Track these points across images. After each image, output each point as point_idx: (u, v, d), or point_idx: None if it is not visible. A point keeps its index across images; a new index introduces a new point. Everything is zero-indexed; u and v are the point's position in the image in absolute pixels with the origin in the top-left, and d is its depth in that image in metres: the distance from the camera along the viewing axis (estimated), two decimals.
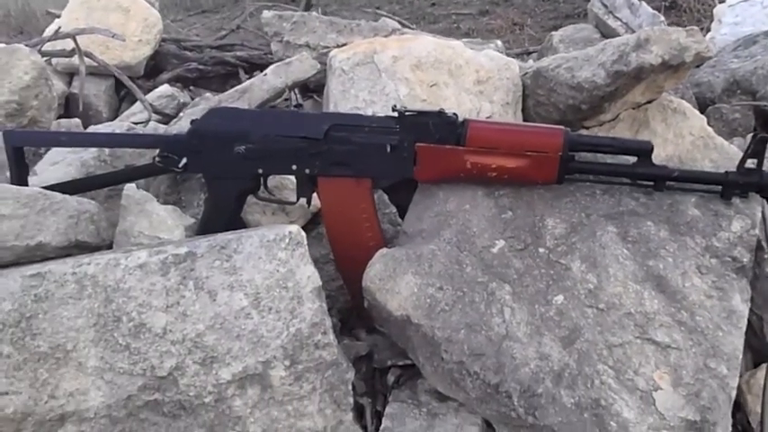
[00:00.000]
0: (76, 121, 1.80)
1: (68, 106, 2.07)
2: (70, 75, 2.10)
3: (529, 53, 2.56)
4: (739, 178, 1.04)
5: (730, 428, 0.90)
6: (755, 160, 1.03)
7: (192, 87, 2.21)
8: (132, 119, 1.86)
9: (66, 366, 0.95)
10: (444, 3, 6.24)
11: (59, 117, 1.81)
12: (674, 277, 0.99)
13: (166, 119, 1.84)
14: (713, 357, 0.92)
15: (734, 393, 0.92)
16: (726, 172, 1.05)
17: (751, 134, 1.09)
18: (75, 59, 1.90)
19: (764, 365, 1.10)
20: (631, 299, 0.98)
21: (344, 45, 1.61)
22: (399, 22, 2.36)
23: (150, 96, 1.93)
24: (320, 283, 1.01)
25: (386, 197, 1.34)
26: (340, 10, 6.30)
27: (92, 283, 0.96)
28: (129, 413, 0.96)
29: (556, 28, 5.19)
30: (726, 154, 1.35)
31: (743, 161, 1.03)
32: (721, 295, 0.98)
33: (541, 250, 1.05)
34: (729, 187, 1.05)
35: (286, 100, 1.49)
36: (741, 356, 0.94)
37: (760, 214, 1.06)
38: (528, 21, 5.43)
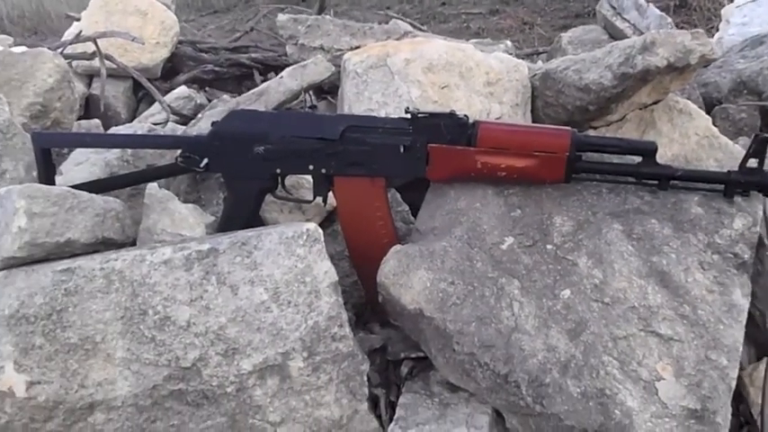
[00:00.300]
0: (96, 121, 1.84)
1: (88, 107, 2.11)
2: (90, 76, 2.14)
3: (538, 53, 2.59)
4: (741, 177, 1.07)
5: (730, 417, 0.93)
6: (757, 160, 1.07)
7: (207, 88, 2.25)
8: (151, 119, 1.90)
9: (95, 357, 1.00)
10: (454, 2, 6.25)
11: (79, 118, 1.85)
12: (677, 273, 1.03)
13: (184, 119, 1.88)
14: (714, 349, 0.96)
15: (734, 384, 0.95)
16: (728, 171, 1.08)
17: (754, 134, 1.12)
18: (95, 62, 1.95)
19: (766, 359, 1.13)
20: (635, 293, 1.02)
21: (358, 48, 1.65)
22: (411, 24, 2.39)
23: (168, 97, 1.97)
24: (337, 278, 1.05)
25: (399, 196, 1.37)
26: (351, 9, 6.33)
27: (119, 278, 1.01)
28: (154, 402, 1.01)
29: (566, 27, 5.21)
30: (730, 153, 1.38)
31: (744, 161, 1.06)
32: (722, 290, 1.01)
33: (549, 247, 1.09)
34: (732, 186, 1.08)
35: (301, 101, 1.54)
36: (741, 349, 0.98)
37: (761, 212, 1.09)
38: (538, 20, 5.44)
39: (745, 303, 1.01)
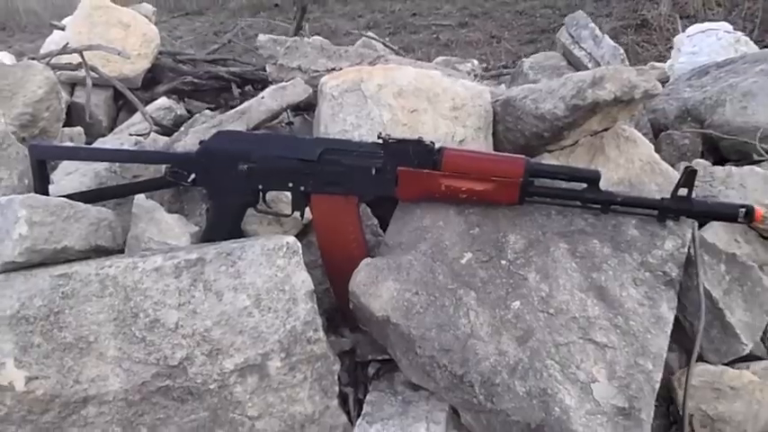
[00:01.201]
0: (79, 129, 1.91)
1: (69, 114, 2.16)
2: (72, 85, 2.20)
3: (503, 74, 2.72)
4: (672, 204, 1.20)
5: (652, 414, 1.06)
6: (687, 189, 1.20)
7: (186, 99, 2.33)
8: (132, 129, 1.97)
9: (89, 355, 1.07)
10: (425, 13, 6.37)
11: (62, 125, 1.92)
12: (613, 288, 1.15)
13: (164, 130, 1.95)
14: (642, 356, 1.09)
15: (657, 386, 1.07)
16: (661, 198, 1.21)
17: (684, 164, 1.25)
18: (79, 72, 2.02)
19: (687, 366, 1.26)
20: (577, 305, 1.13)
21: (333, 69, 1.74)
22: (383, 44, 2.50)
23: (149, 108, 2.02)
24: (313, 287, 1.14)
25: (369, 210, 1.45)
26: (323, 17, 6.42)
27: (113, 283, 1.08)
28: (143, 397, 1.08)
29: (533, 42, 5.38)
30: (669, 179, 1.49)
31: (676, 190, 1.19)
32: (652, 304, 1.14)
33: (503, 262, 1.20)
34: (664, 212, 1.21)
35: (281, 119, 1.63)
36: (665, 355, 1.11)
37: (690, 235, 1.23)
38: (505, 34, 5.58)
39: (670, 316, 1.14)
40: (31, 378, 1.05)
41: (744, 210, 1.18)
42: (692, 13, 4.93)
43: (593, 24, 2.30)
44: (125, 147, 1.51)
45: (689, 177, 1.17)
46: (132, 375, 1.08)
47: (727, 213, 1.20)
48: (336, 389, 1.17)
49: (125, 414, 1.09)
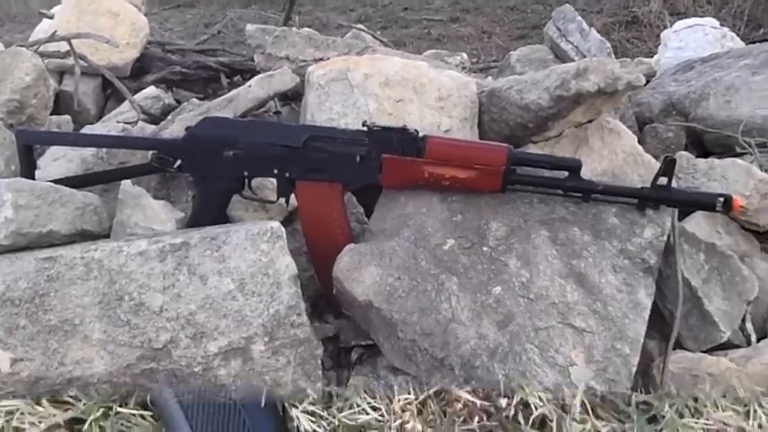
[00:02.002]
0: (67, 117, 1.90)
1: (57, 103, 2.16)
2: (60, 73, 2.20)
3: (491, 67, 2.73)
4: (652, 193, 1.22)
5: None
6: (666, 178, 1.22)
7: (174, 89, 2.33)
8: (120, 117, 1.97)
9: (74, 338, 1.07)
10: (416, 8, 6.36)
11: (50, 113, 1.92)
12: (592, 274, 1.17)
13: (152, 118, 1.95)
14: (619, 340, 1.11)
15: (634, 369, 1.10)
16: (641, 187, 1.23)
17: (663, 155, 1.26)
18: (67, 59, 2.02)
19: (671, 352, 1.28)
20: (556, 291, 1.15)
21: (321, 59, 1.75)
22: (372, 36, 2.51)
23: (137, 97, 2.01)
24: (296, 272, 1.15)
25: (354, 198, 1.46)
26: (315, 10, 6.41)
27: (98, 266, 1.08)
28: (127, 380, 1.09)
29: (523, 37, 5.38)
30: (652, 170, 1.50)
31: (655, 179, 1.21)
32: (630, 290, 1.16)
33: (485, 249, 1.22)
34: (644, 200, 1.23)
35: (268, 108, 1.64)
36: (642, 340, 1.13)
37: (669, 224, 1.25)
38: (496, 29, 5.58)
39: (648, 302, 1.16)
40: (17, 360, 1.06)
41: (722, 199, 1.20)
42: (682, 10, 4.95)
43: (580, 18, 2.32)
44: (112, 133, 1.51)
45: (668, 166, 1.19)
46: (117, 358, 1.08)
47: (705, 202, 1.22)
48: (319, 373, 1.17)
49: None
